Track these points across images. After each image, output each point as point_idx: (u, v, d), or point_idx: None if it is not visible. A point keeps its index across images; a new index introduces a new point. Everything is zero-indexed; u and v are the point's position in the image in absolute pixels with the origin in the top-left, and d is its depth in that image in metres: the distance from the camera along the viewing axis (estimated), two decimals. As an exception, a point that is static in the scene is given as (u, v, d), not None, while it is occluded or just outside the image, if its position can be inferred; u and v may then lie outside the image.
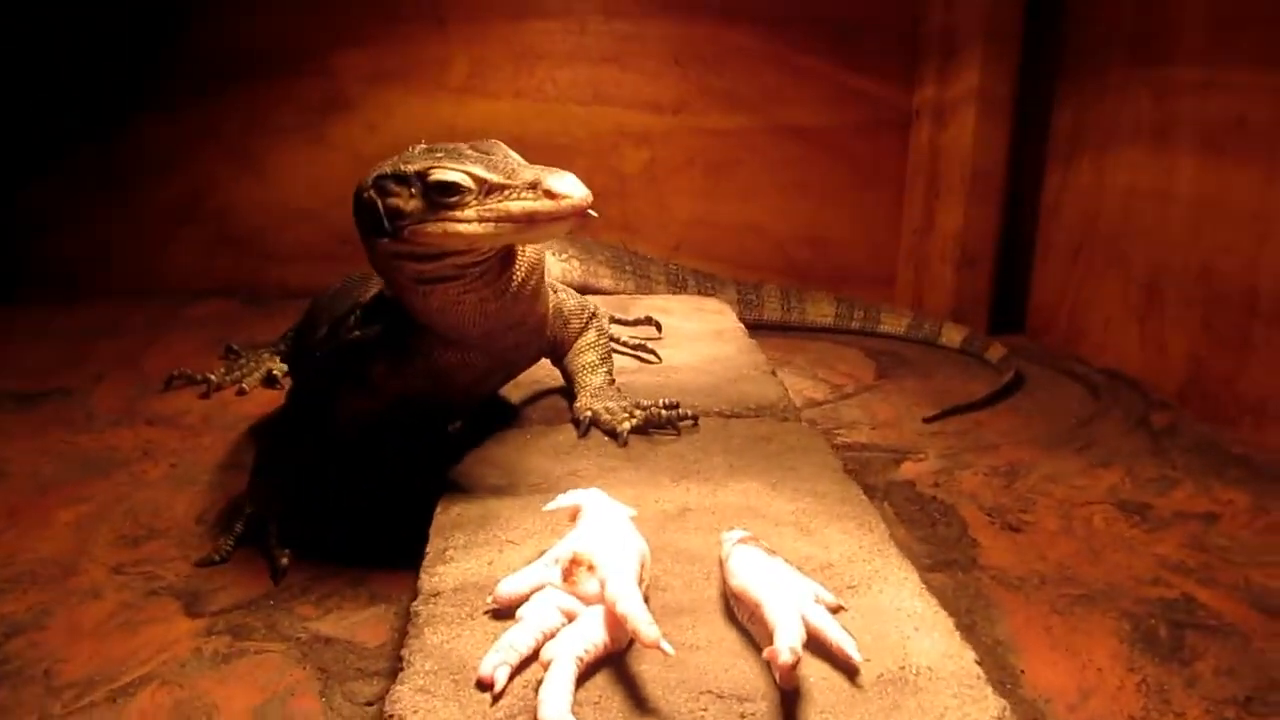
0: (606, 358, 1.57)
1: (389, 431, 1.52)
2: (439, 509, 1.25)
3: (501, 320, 1.30)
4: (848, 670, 0.90)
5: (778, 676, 0.87)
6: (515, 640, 0.91)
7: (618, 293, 2.49)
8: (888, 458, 1.77)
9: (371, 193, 1.18)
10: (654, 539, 1.10)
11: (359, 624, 1.24)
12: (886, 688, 0.88)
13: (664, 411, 1.48)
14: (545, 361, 1.57)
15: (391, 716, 0.85)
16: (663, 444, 1.44)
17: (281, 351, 2.14)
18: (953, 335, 2.55)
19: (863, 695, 0.87)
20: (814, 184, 2.87)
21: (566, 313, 1.52)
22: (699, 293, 2.58)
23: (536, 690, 0.87)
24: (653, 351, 1.84)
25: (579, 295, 1.58)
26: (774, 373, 1.80)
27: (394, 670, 0.95)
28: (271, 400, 2.02)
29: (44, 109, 2.55)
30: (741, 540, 1.04)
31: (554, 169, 1.11)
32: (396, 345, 1.33)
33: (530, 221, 1.10)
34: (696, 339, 2.00)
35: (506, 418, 1.55)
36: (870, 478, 1.67)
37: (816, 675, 0.89)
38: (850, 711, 0.85)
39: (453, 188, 1.11)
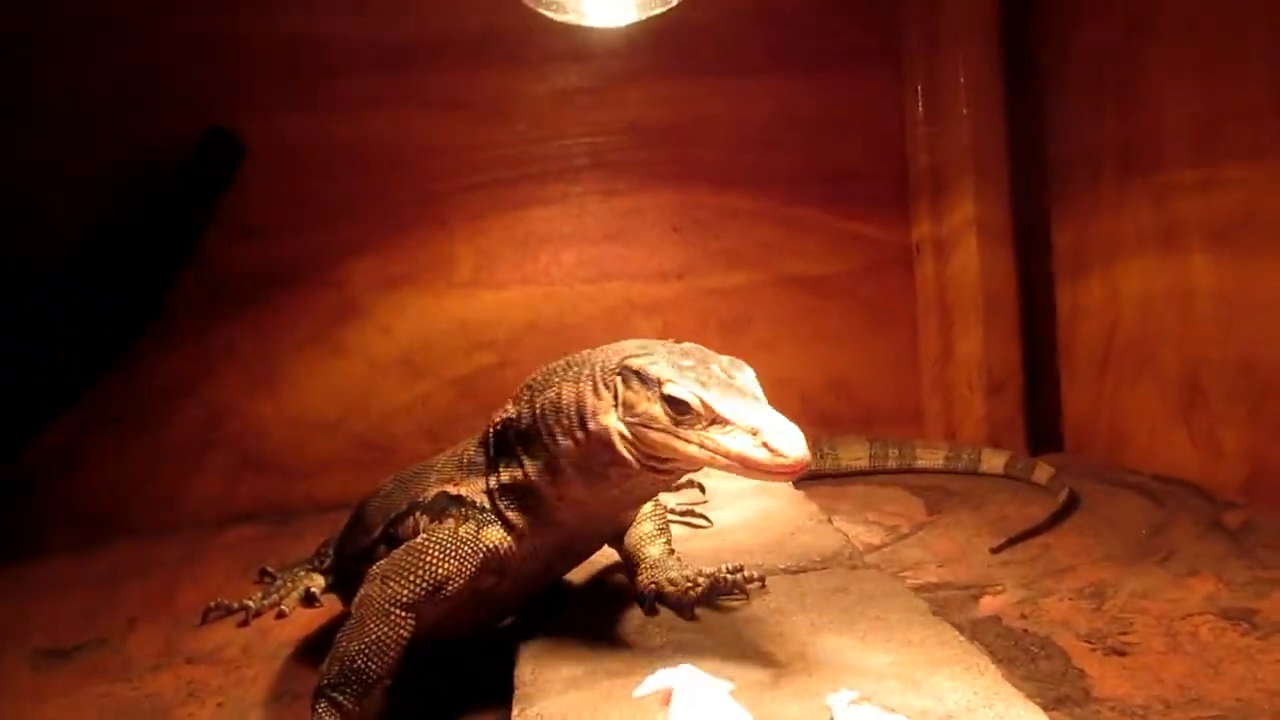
0: (665, 528, 1.52)
1: (454, 633, 1.46)
2: (515, 712, 1.17)
3: (623, 506, 1.35)
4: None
5: None
6: None
7: None
8: (964, 595, 1.68)
9: (617, 377, 1.21)
10: (754, 711, 1.02)
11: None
12: None
13: (729, 576, 1.42)
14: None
15: None
16: (735, 610, 1.37)
17: (317, 568, 2.08)
18: (994, 461, 2.49)
19: None
20: (827, 330, 2.88)
21: None
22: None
23: None
24: (703, 515, 1.79)
25: None
26: (830, 520, 1.74)
27: None
28: (312, 620, 1.94)
29: (58, 346, 2.57)
30: (854, 702, 0.96)
31: (779, 419, 1.11)
32: (468, 542, 1.31)
33: (742, 465, 1.11)
34: (742, 497, 1.95)
35: (568, 603, 1.48)
36: (953, 617, 1.57)
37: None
38: None
39: (684, 406, 1.13)
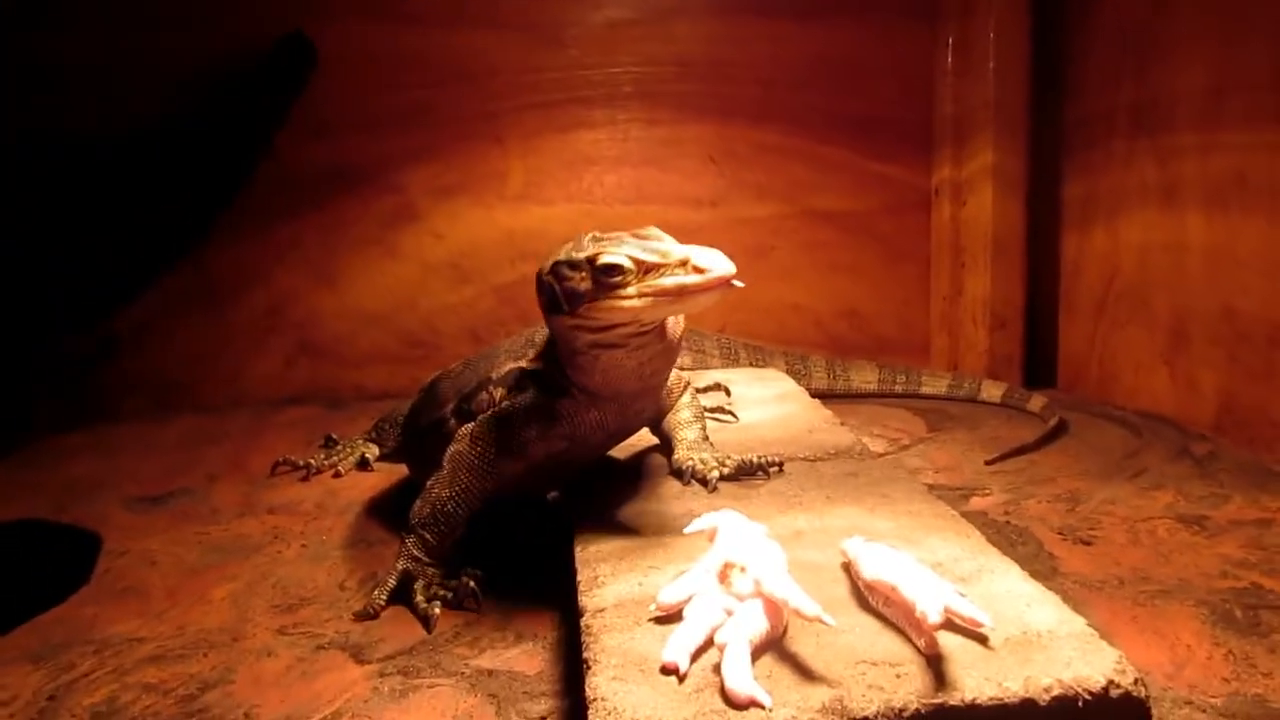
0: (700, 416, 1.74)
1: (516, 494, 1.69)
2: (578, 547, 1.41)
3: (650, 381, 1.51)
4: (978, 636, 1.05)
5: (923, 643, 1.02)
6: (689, 633, 1.06)
7: (679, 367, 2.68)
8: (956, 494, 1.92)
9: (550, 277, 1.39)
10: (781, 554, 1.25)
11: (513, 658, 1.38)
12: (1014, 648, 1.03)
13: (754, 459, 1.64)
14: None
15: (594, 700, 1.00)
16: (759, 486, 1.60)
17: (372, 439, 2.33)
18: (993, 391, 2.71)
19: (995, 655, 1.02)
20: (845, 263, 3.09)
21: (670, 383, 1.71)
22: (750, 364, 2.77)
23: (715, 671, 1.01)
24: (730, 412, 2.01)
25: (708, 351, 1.77)
26: (842, 424, 1.97)
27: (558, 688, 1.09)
28: (373, 486, 2.19)
29: (143, 231, 2.78)
30: (866, 541, 1.19)
31: (703, 247, 1.30)
32: (546, 410, 1.51)
33: (681, 293, 1.28)
34: (763, 402, 2.18)
35: (618, 474, 1.71)
36: (945, 511, 1.81)
37: (952, 643, 1.03)
38: (988, 666, 0.99)
39: (616, 269, 1.31)
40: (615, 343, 1.41)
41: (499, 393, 1.63)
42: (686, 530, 1.27)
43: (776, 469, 1.65)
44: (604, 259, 1.31)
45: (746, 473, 1.63)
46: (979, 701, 0.95)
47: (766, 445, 1.80)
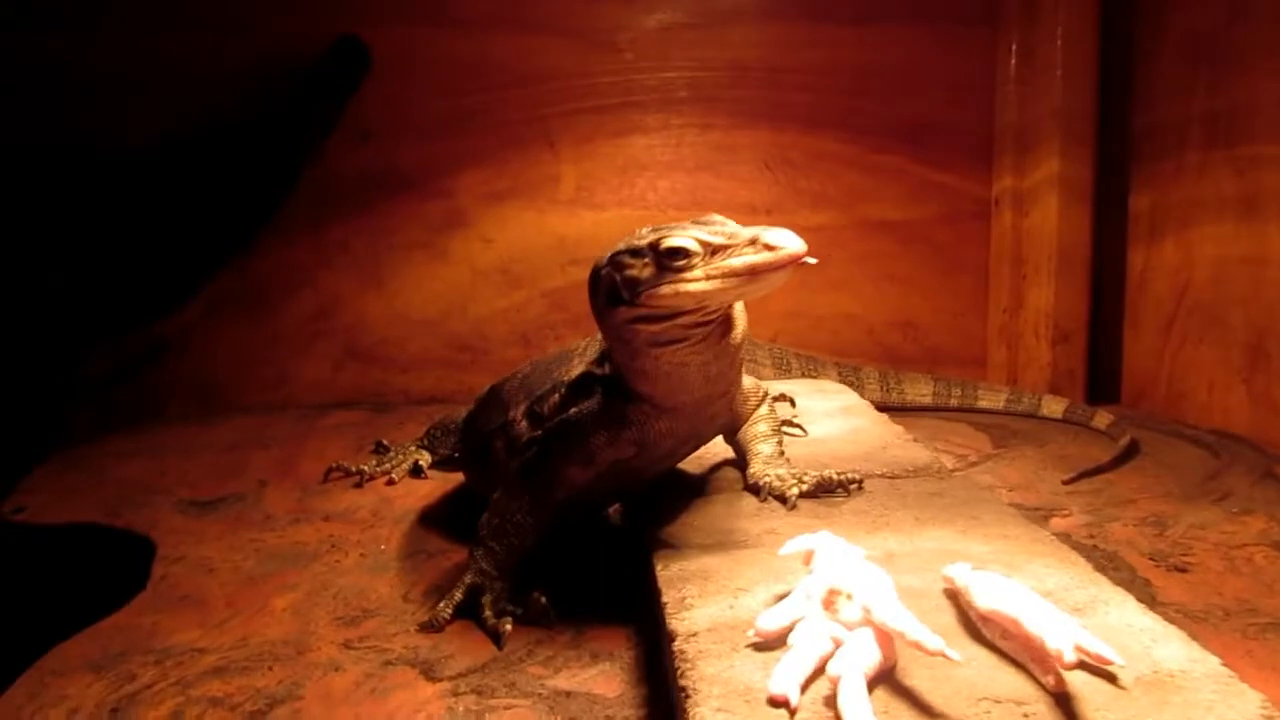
0: (777, 430, 1.69)
1: (579, 507, 1.64)
2: (658, 566, 1.35)
3: (715, 386, 1.43)
4: (1107, 675, 0.98)
5: (1049, 681, 0.96)
6: (797, 663, 1.00)
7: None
8: (1035, 515, 1.85)
9: (608, 269, 1.32)
10: (880, 578, 1.20)
11: (590, 680, 1.33)
12: (1147, 688, 0.96)
13: (834, 475, 1.58)
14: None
15: (703, 731, 0.94)
16: (840, 504, 1.54)
17: (425, 446, 2.29)
18: (1054, 406, 2.64)
19: (1128, 695, 0.95)
20: (901, 273, 3.02)
21: (746, 391, 1.65)
22: (803, 374, 2.71)
23: (826, 704, 0.96)
24: (798, 425, 1.95)
25: (751, 377, 1.71)
26: (915, 439, 1.90)
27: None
28: (427, 494, 2.14)
29: (190, 236, 2.75)
30: (976, 569, 1.13)
31: (772, 227, 1.24)
32: (615, 416, 1.45)
33: (751, 273, 1.22)
34: (829, 415, 2.12)
35: (690, 489, 1.66)
36: (1026, 533, 1.74)
37: (1077, 680, 0.97)
38: (1122, 708, 0.93)
39: (681, 252, 1.25)
40: (676, 337, 1.32)
41: (569, 397, 1.58)
42: (782, 552, 1.21)
43: (856, 486, 1.59)
44: (668, 242, 1.25)
45: (826, 490, 1.57)
46: (1118, 747, 0.89)
47: (841, 461, 1.74)
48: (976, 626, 1.09)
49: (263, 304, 2.91)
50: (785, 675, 0.98)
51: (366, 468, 2.24)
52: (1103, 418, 2.49)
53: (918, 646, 0.95)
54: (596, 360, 1.57)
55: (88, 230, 2.70)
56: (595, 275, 1.36)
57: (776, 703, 0.97)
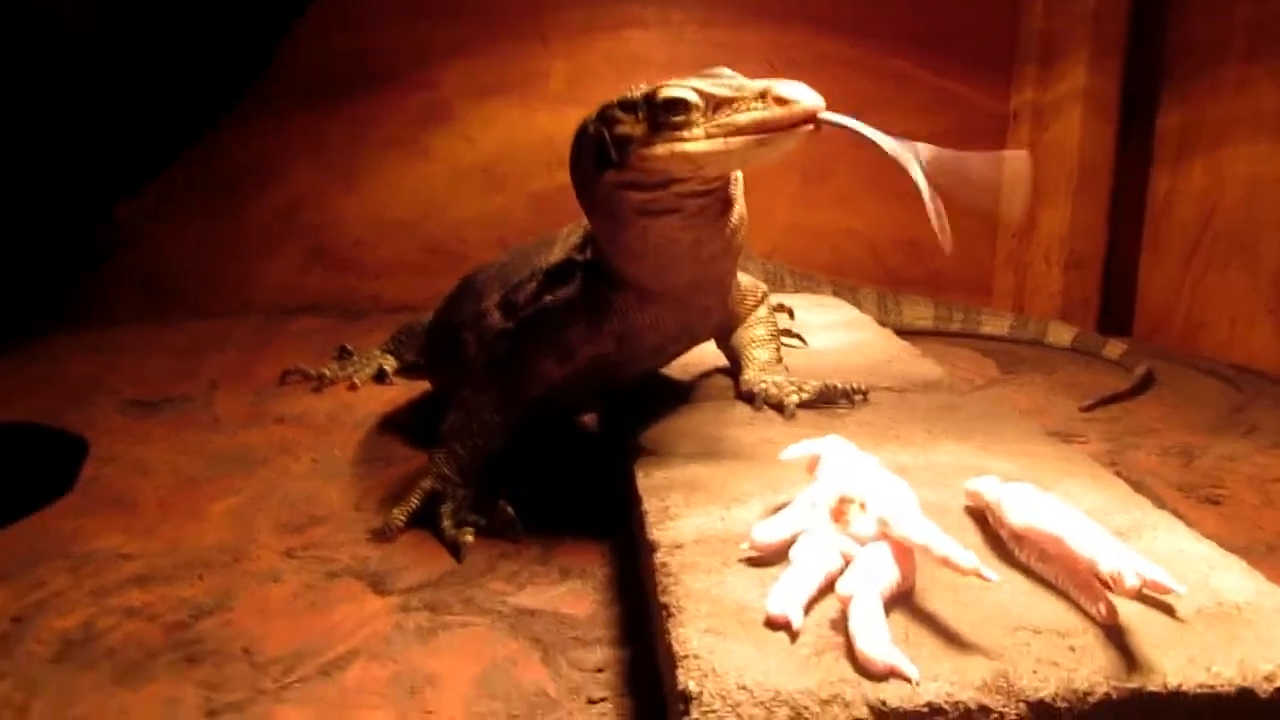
0: (776, 335, 1.53)
1: (554, 410, 1.48)
2: (639, 473, 1.20)
3: (708, 270, 1.27)
4: (1163, 606, 0.84)
5: (1099, 609, 0.81)
6: (799, 581, 0.85)
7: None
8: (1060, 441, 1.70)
9: (596, 123, 1.14)
10: (892, 493, 1.04)
11: (559, 598, 1.18)
12: (1211, 622, 0.82)
13: (837, 384, 1.43)
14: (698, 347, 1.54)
15: (685, 656, 0.79)
16: (843, 416, 1.39)
17: (392, 351, 2.13)
18: (1061, 334, 2.49)
19: (1190, 629, 0.81)
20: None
21: (743, 289, 1.48)
22: (796, 291, 2.54)
23: (833, 627, 0.81)
24: (797, 335, 1.80)
25: (750, 275, 1.54)
26: (924, 356, 1.75)
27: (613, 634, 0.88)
28: (391, 400, 1.98)
29: (144, 116, 2.53)
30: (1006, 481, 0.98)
31: (785, 80, 1.04)
32: (595, 304, 1.29)
33: (760, 131, 1.03)
34: (830, 328, 1.96)
35: (675, 395, 1.50)
36: (1043, 458, 1.60)
37: (1127, 611, 0.82)
38: (1186, 644, 0.78)
39: (680, 104, 1.06)
40: (669, 206, 1.14)
41: (547, 285, 1.41)
42: (784, 456, 1.05)
43: (861, 398, 1.44)
44: (665, 93, 1.06)
45: (828, 400, 1.42)
46: (1185, 689, 0.74)
47: (843, 374, 1.58)
48: (1008, 547, 0.94)
49: (225, 199, 2.71)
50: (786, 593, 0.83)
51: (327, 371, 2.08)
52: (1115, 347, 2.34)
53: (946, 563, 0.80)
54: (579, 245, 1.40)
55: (32, 106, 2.47)
56: (581, 134, 1.19)
57: (775, 624, 0.82)
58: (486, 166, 2.76)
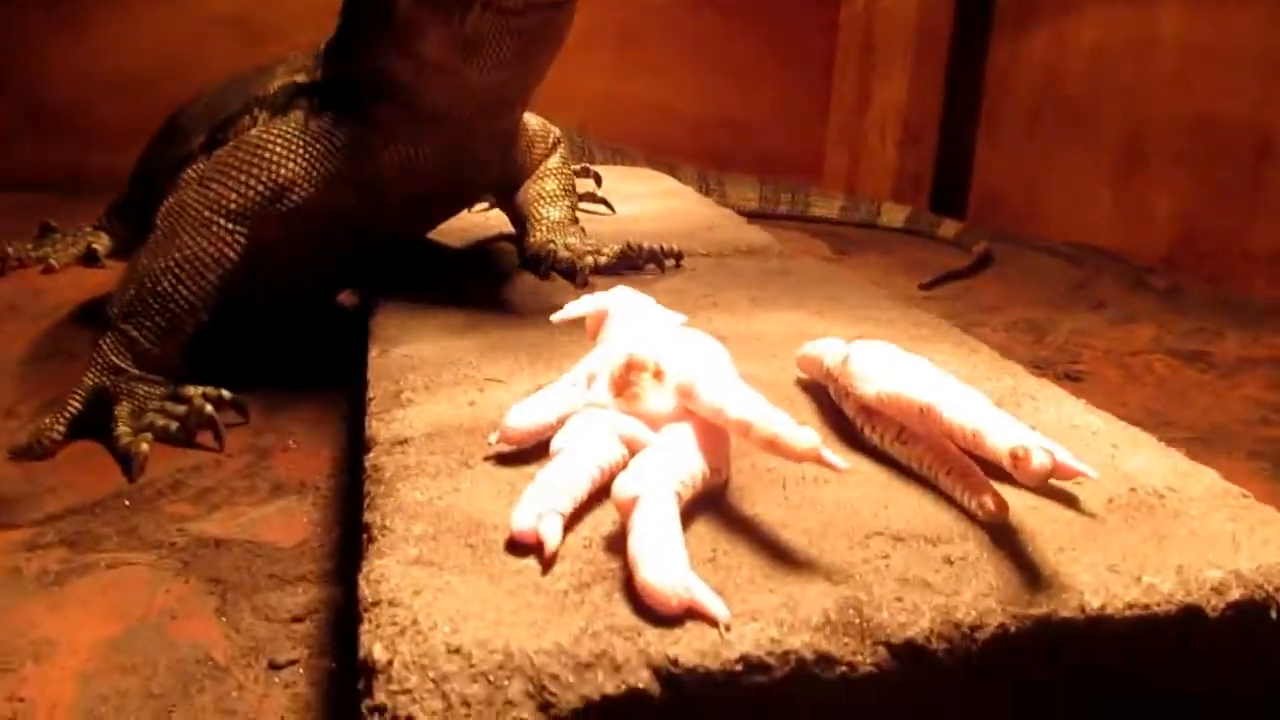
0: (570, 190, 1.24)
1: (282, 291, 1.15)
2: (374, 352, 0.89)
3: (505, 95, 1.01)
4: (1064, 496, 0.60)
5: (983, 503, 0.56)
6: (561, 479, 0.57)
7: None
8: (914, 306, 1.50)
9: None
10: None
11: (260, 521, 0.88)
12: (1131, 514, 0.59)
13: (644, 245, 1.15)
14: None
15: (379, 604, 0.50)
16: (650, 283, 1.12)
17: (104, 227, 1.72)
18: (894, 215, 2.32)
19: (1104, 524, 0.58)
20: (733, 61, 2.57)
21: (531, 132, 1.19)
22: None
23: (608, 548, 0.53)
24: (603, 200, 1.51)
25: (539, 116, 1.24)
26: (749, 223, 1.49)
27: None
28: (99, 285, 1.59)
29: None
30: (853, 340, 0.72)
31: None
32: (328, 134, 0.97)
33: None
34: (644, 197, 1.68)
35: (445, 264, 1.19)
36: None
37: (1019, 505, 0.58)
38: (1100, 546, 0.55)
39: None
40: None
41: (264, 117, 1.06)
42: (557, 317, 0.76)
43: (674, 262, 1.17)
44: None
45: (632, 263, 1.15)
46: (1111, 612, 0.50)
47: (656, 239, 1.30)
48: (856, 428, 0.68)
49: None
50: (539, 499, 0.55)
51: (12, 250, 1.65)
52: (950, 226, 2.19)
53: (774, 446, 0.53)
54: (311, 66, 1.07)
55: None
56: None
57: (521, 543, 0.53)
58: (242, 16, 2.31)
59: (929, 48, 2.33)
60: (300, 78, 1.06)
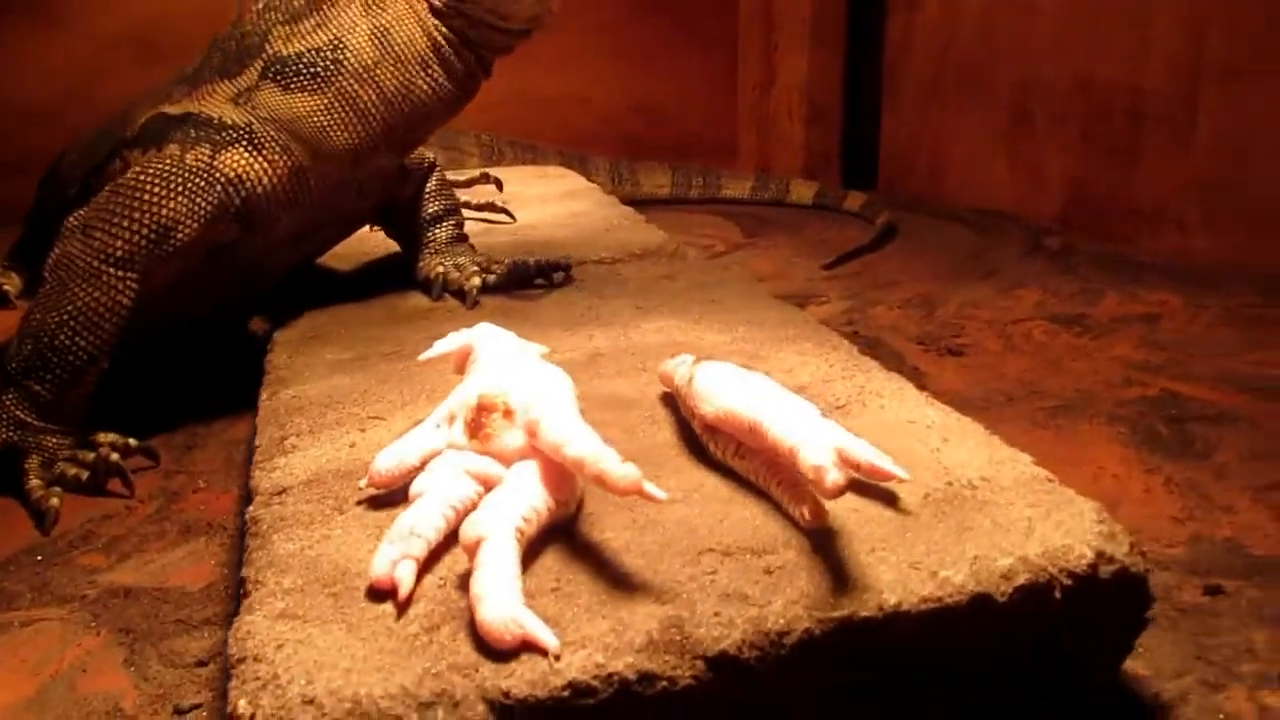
0: (455, 210, 1.28)
1: (178, 324, 1.17)
2: (264, 395, 0.93)
3: (419, 121, 1.11)
4: (884, 495, 0.66)
5: (803, 512, 0.62)
6: (417, 523, 0.61)
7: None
8: (790, 304, 1.54)
9: None
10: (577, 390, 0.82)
11: (170, 566, 0.91)
12: (943, 508, 0.65)
13: (532, 261, 1.19)
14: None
15: (244, 660, 0.54)
16: (539, 298, 1.16)
17: (13, 266, 1.71)
18: (803, 192, 2.37)
19: (916, 520, 0.64)
20: (639, 47, 2.60)
21: (409, 161, 1.21)
22: (518, 164, 2.28)
23: (463, 585, 0.58)
24: (504, 209, 1.54)
25: (460, 146, 1.27)
26: (648, 222, 1.54)
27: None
28: (10, 328, 1.58)
29: None
30: (696, 363, 0.77)
31: None
32: (202, 170, 1.00)
33: None
34: (546, 200, 1.72)
35: (334, 291, 1.22)
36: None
37: (841, 509, 0.64)
38: (909, 544, 0.61)
39: None
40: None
41: (134, 156, 1.08)
42: (422, 357, 0.81)
43: (563, 275, 1.21)
44: None
45: (520, 280, 1.19)
46: (905, 608, 0.56)
47: (553, 249, 1.35)
48: (704, 442, 0.73)
49: None
50: (394, 547, 0.60)
51: (-100, 292, 1.64)
52: (855, 199, 2.25)
53: (601, 481, 0.58)
54: (170, 96, 1.09)
55: None
56: None
57: (381, 591, 0.58)
58: (138, 35, 2.29)
59: (827, 23, 2.38)
60: (169, 108, 1.07)
